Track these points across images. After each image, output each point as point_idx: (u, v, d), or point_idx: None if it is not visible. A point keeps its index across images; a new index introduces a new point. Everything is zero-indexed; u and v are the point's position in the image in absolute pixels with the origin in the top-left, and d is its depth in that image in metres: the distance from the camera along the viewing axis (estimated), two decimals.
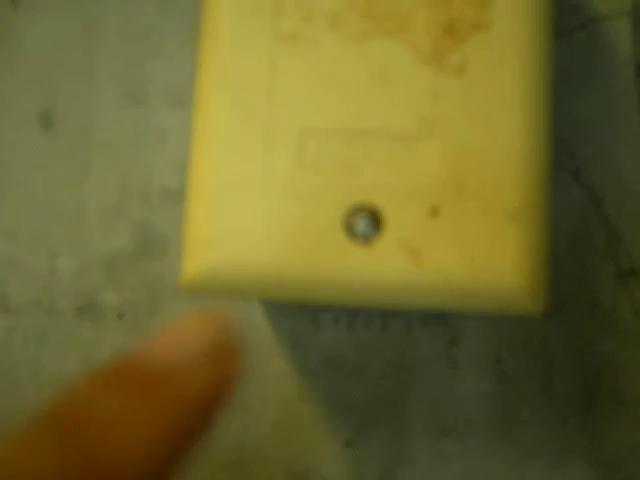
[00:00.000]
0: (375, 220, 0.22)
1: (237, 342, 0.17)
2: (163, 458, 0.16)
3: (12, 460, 0.14)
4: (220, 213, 0.23)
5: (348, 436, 0.28)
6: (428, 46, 0.22)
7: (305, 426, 0.28)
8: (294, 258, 0.22)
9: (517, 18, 0.23)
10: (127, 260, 0.29)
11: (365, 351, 0.29)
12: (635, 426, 0.28)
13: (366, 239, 0.22)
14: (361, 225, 0.22)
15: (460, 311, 0.23)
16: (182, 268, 0.23)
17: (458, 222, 0.22)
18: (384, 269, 0.22)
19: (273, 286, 0.23)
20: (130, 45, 0.30)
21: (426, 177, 0.22)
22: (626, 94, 0.29)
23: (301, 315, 0.29)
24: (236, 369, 0.17)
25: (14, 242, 0.30)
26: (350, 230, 0.22)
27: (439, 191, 0.22)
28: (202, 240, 0.23)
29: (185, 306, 0.29)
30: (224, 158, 0.23)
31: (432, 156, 0.22)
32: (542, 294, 0.22)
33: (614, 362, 0.28)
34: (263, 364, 0.29)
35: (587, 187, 0.29)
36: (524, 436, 0.28)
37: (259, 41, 0.23)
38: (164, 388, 0.16)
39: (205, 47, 0.24)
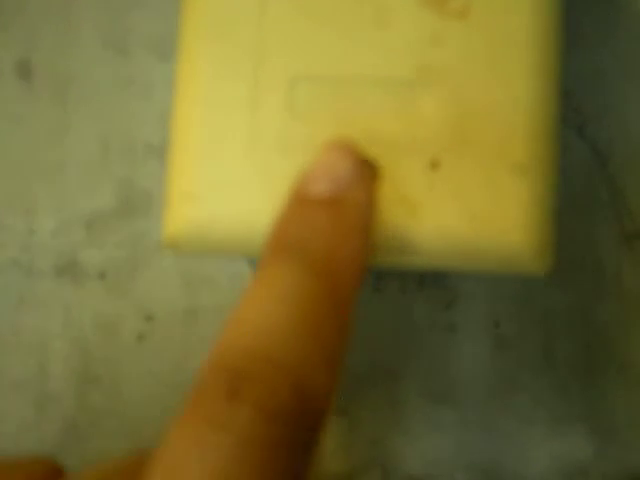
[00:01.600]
0: None
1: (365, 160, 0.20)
2: (361, 276, 0.19)
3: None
4: (205, 166, 0.21)
5: (341, 403, 0.28)
6: None
7: None
8: None
9: None
10: (109, 218, 0.28)
11: (358, 314, 0.28)
12: (636, 393, 0.27)
13: None
14: None
15: (460, 270, 0.22)
16: (164, 224, 0.22)
17: (459, 175, 0.21)
18: (380, 225, 0.21)
19: (261, 242, 0.21)
20: None
21: (425, 128, 0.21)
22: (636, 47, 0.28)
23: None
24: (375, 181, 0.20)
25: None
26: None
27: (439, 143, 0.21)
28: (185, 194, 0.21)
29: (170, 264, 0.28)
30: (209, 107, 0.21)
31: (432, 106, 0.21)
32: (547, 252, 0.21)
33: (616, 326, 0.27)
34: None
35: (592, 144, 0.27)
36: (522, 402, 0.27)
37: None
38: (344, 207, 0.19)
39: None
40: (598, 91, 0.27)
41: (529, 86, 0.21)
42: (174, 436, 0.17)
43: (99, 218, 0.28)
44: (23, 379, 0.28)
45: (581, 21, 0.27)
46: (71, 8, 0.29)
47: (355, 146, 0.20)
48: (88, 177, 0.28)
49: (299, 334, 0.18)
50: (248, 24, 0.21)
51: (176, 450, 0.16)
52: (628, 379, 0.27)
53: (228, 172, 0.21)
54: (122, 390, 0.28)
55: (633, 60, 0.27)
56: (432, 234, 0.21)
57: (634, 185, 0.27)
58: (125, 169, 0.28)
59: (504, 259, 0.21)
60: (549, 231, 0.21)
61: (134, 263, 0.28)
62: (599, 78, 0.27)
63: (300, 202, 0.20)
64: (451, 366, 0.27)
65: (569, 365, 0.27)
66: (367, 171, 0.20)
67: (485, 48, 0.21)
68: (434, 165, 0.21)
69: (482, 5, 0.21)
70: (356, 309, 0.28)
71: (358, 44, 0.21)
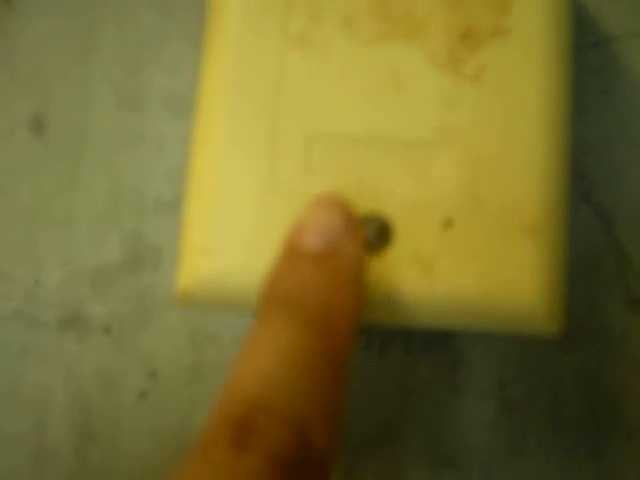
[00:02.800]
0: (384, 230, 0.21)
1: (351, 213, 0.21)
2: (354, 329, 0.20)
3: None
4: (220, 220, 0.21)
5: (345, 465, 0.27)
6: (444, 51, 0.22)
7: None
8: None
9: (536, 25, 0.22)
10: (116, 271, 0.28)
11: (363, 374, 0.28)
12: None
13: (374, 250, 0.21)
14: (369, 235, 0.21)
15: (472, 330, 0.21)
16: (177, 278, 0.22)
17: (473, 235, 0.21)
18: (393, 283, 0.21)
19: None
20: (128, 50, 0.29)
21: (439, 188, 0.21)
22: (638, 115, 0.28)
23: None
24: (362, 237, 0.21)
25: None
26: None
27: (453, 203, 0.21)
28: (200, 248, 0.21)
29: (175, 320, 0.27)
30: (226, 162, 0.22)
31: (446, 166, 0.21)
32: (559, 314, 0.21)
33: (624, 391, 0.27)
34: None
35: (597, 209, 0.28)
36: (529, 467, 0.27)
37: (267, 41, 0.22)
38: (335, 261, 0.20)
39: (211, 46, 0.23)
40: (603, 157, 0.28)
41: (541, 149, 0.21)
42: None
43: (106, 272, 0.28)
44: (21, 434, 0.27)
45: (585, 89, 0.28)
46: (86, 63, 0.29)
47: (342, 199, 0.21)
48: (96, 230, 0.28)
49: (299, 386, 0.18)
50: (268, 82, 0.22)
51: None
52: (636, 445, 0.27)
53: (242, 227, 0.21)
54: (122, 448, 0.27)
55: (636, 127, 0.28)
56: (445, 293, 0.21)
57: (639, 249, 0.27)
58: (134, 223, 0.28)
59: (517, 319, 0.21)
60: (561, 292, 0.21)
61: (139, 318, 0.28)
62: (603, 145, 0.28)
63: (293, 255, 0.20)
64: (455, 428, 0.27)
65: (576, 429, 0.27)
66: (355, 224, 0.21)
67: (498, 111, 0.21)
68: (447, 225, 0.21)
69: (495, 69, 0.22)
70: (361, 371, 0.27)
71: (374, 105, 0.22)
